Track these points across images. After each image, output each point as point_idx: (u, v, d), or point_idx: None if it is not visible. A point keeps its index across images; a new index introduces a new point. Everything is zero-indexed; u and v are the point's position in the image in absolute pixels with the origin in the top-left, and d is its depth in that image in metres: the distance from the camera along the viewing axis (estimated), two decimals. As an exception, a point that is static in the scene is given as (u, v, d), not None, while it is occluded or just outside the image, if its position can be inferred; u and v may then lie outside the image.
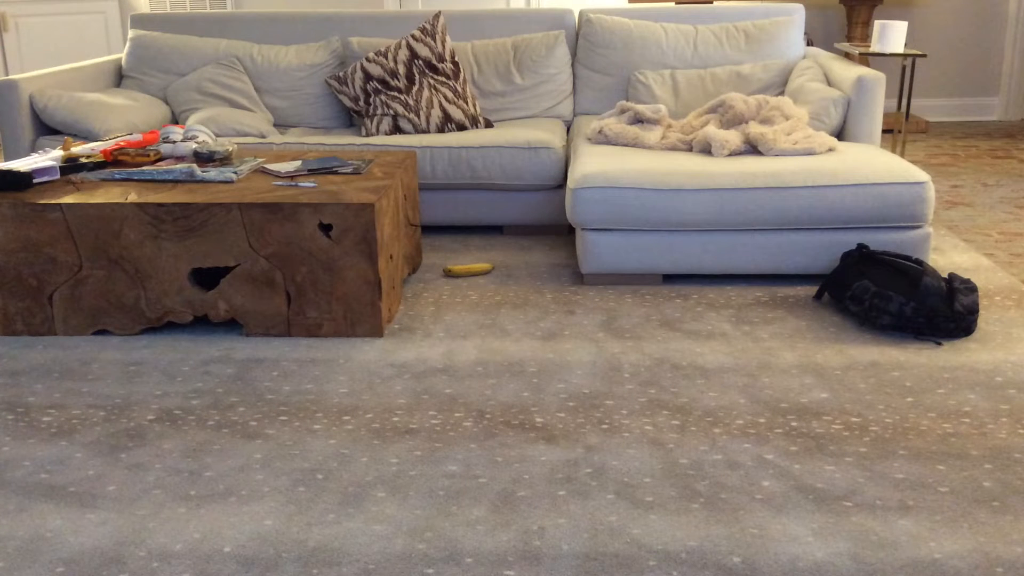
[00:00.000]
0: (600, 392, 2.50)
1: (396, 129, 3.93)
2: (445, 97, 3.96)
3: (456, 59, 4.07)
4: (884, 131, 6.01)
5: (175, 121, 4.24)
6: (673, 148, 3.53)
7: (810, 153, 3.34)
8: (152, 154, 3.25)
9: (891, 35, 4.54)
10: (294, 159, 3.31)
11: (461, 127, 3.96)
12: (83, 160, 3.18)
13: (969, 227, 3.94)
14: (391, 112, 3.92)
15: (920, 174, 3.13)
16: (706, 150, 3.44)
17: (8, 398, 2.53)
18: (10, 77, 3.83)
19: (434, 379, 2.59)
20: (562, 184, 3.79)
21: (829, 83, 3.93)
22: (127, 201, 2.82)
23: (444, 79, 4.01)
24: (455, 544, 1.86)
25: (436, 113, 3.93)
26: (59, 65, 5.11)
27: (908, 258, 2.96)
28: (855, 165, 3.17)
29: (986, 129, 6.10)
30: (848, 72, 3.73)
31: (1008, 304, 3.06)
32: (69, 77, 4.09)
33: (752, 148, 3.41)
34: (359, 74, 4.04)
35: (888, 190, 3.10)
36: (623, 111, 3.75)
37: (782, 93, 4.06)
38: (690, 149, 3.51)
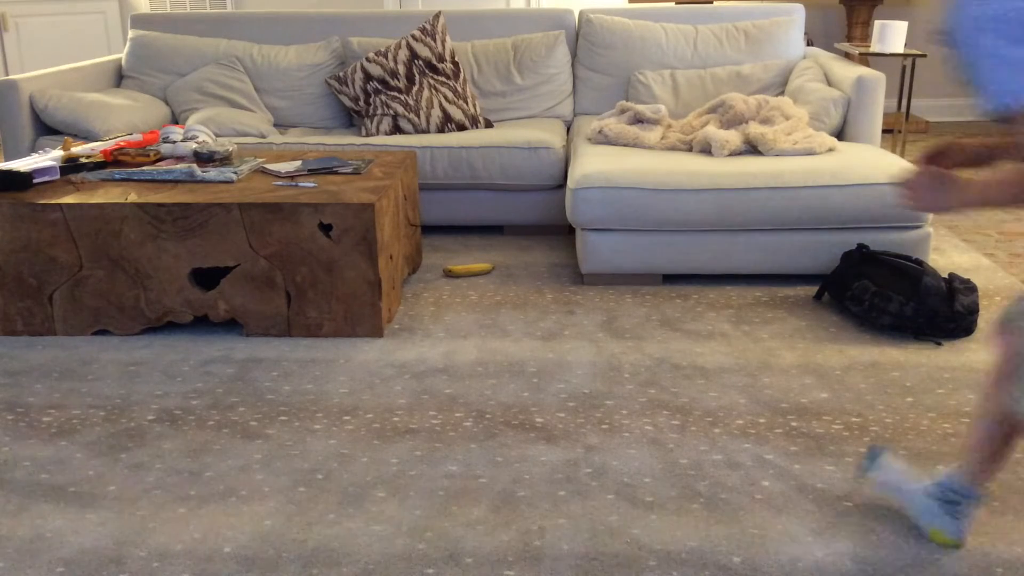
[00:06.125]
0: (600, 392, 2.50)
1: (396, 129, 3.93)
2: (445, 97, 3.96)
3: (456, 59, 4.07)
4: (884, 131, 6.01)
5: (175, 121, 4.24)
6: (673, 148, 3.53)
7: (810, 153, 3.34)
8: (152, 154, 3.25)
9: (891, 35, 4.54)
10: (294, 159, 3.31)
11: (461, 127, 3.96)
12: (83, 160, 3.18)
13: (969, 227, 3.94)
14: (391, 112, 3.92)
15: (920, 174, 3.13)
16: (706, 150, 3.44)
17: (8, 398, 2.53)
18: (10, 77, 3.83)
19: (434, 379, 2.59)
20: (562, 184, 3.79)
21: (829, 83, 3.92)
22: (127, 201, 2.82)
23: (444, 79, 4.01)
24: (455, 544, 1.86)
25: (436, 113, 3.93)
26: (59, 65, 5.11)
27: (908, 258, 2.96)
28: (855, 165, 3.17)
29: (986, 129, 6.10)
30: (848, 72, 3.73)
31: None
32: (69, 77, 4.09)
33: (752, 148, 3.41)
34: (359, 74, 4.04)
35: (888, 190, 3.10)
36: (623, 111, 3.75)
37: (782, 93, 4.06)
38: (690, 149, 3.51)
